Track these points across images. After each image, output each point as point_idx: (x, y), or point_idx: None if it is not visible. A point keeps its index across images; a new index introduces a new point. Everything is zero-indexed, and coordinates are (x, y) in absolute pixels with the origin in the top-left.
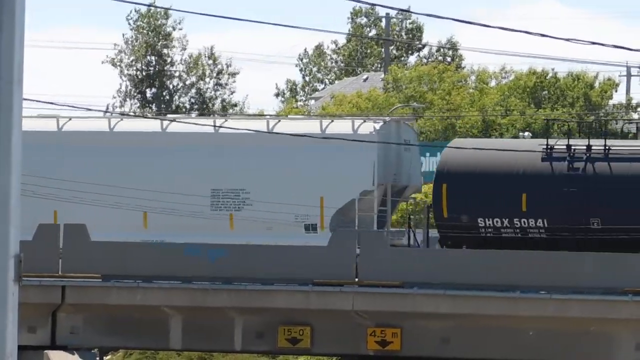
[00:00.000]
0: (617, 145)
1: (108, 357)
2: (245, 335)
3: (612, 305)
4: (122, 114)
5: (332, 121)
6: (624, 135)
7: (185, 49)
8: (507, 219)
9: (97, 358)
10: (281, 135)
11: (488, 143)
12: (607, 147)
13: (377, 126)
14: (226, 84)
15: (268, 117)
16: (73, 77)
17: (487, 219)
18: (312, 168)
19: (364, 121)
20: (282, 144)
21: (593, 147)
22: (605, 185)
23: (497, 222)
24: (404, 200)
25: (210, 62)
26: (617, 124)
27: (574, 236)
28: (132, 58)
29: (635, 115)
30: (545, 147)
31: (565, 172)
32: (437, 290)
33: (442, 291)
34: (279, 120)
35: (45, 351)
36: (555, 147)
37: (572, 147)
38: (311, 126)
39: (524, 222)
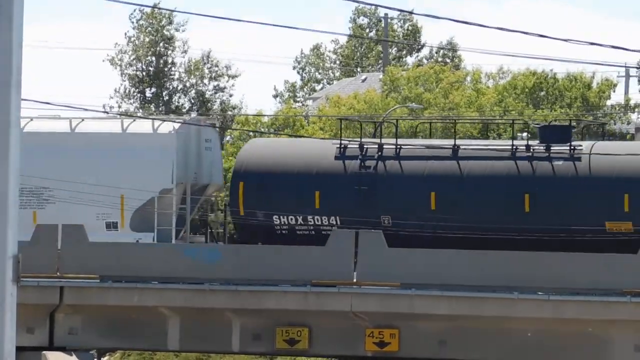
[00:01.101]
0: (408, 144)
1: (106, 358)
2: (242, 337)
3: (610, 307)
4: (120, 114)
5: (134, 120)
6: (622, 136)
7: (186, 52)
8: (301, 217)
9: (95, 359)
10: (83, 134)
11: (284, 143)
12: (397, 147)
13: (177, 126)
14: (225, 87)
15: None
16: (71, 76)
17: (282, 217)
18: (113, 167)
19: (164, 121)
20: (84, 143)
21: (385, 146)
22: (395, 183)
23: (291, 219)
24: (206, 199)
25: (209, 65)
26: (615, 124)
27: None
28: (133, 57)
29: (633, 116)
30: (338, 146)
31: (357, 171)
32: (435, 292)
33: (439, 292)
34: (82, 120)
35: (43, 352)
36: (349, 146)
37: (364, 147)
38: (112, 126)
39: (317, 219)
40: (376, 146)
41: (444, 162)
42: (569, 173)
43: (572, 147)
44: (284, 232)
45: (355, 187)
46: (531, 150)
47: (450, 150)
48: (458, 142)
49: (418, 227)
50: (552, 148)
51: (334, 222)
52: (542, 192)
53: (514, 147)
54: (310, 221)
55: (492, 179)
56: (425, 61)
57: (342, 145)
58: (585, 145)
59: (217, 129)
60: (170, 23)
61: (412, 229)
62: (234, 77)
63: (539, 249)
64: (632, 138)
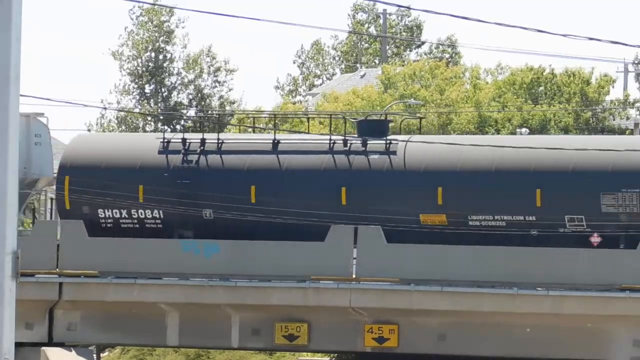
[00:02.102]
0: (229, 139)
1: (105, 354)
2: (242, 332)
3: (609, 302)
4: (119, 109)
5: None
6: (621, 132)
7: (185, 47)
8: (125, 210)
9: (94, 355)
10: None
11: (110, 138)
12: (219, 141)
13: None
14: (224, 82)
15: None
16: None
17: (106, 210)
18: None
19: None
20: None
21: (207, 141)
22: (216, 177)
23: (116, 213)
24: (36, 192)
25: (208, 59)
26: (614, 119)
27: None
28: (132, 52)
29: (632, 112)
30: (162, 141)
31: (179, 165)
32: (434, 287)
33: (439, 288)
34: None
35: (43, 348)
36: (172, 140)
37: (187, 141)
38: None
39: (141, 213)
40: (199, 141)
41: (264, 156)
42: (384, 166)
43: (388, 141)
44: (108, 225)
45: (177, 181)
46: (348, 144)
47: (270, 145)
48: (278, 136)
49: (239, 220)
50: (368, 142)
51: (158, 216)
52: (358, 185)
53: (332, 141)
54: (135, 215)
55: (310, 172)
56: (424, 57)
57: (166, 140)
58: (401, 139)
59: (47, 124)
60: (172, 16)
61: (233, 222)
62: (232, 71)
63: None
64: (632, 133)
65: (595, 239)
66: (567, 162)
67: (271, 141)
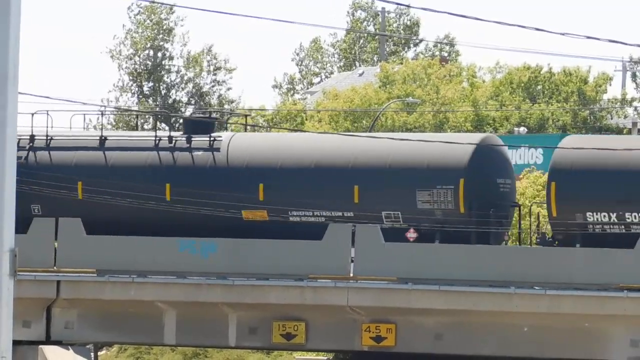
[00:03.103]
0: (58, 135)
1: (102, 352)
2: (239, 331)
3: (606, 302)
4: (117, 108)
5: None
6: (619, 131)
7: (185, 45)
8: None
9: (92, 353)
10: None
11: None
12: (48, 138)
13: None
14: (223, 81)
15: None
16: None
17: None
18: None
19: None
20: None
21: (36, 137)
22: (44, 173)
23: None
24: None
25: (209, 58)
26: (612, 118)
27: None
28: (131, 50)
29: (630, 110)
30: None
31: None
32: (431, 286)
33: (436, 287)
34: None
35: (40, 346)
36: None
37: (17, 138)
38: None
39: None
40: (28, 137)
41: (91, 152)
42: (207, 163)
43: (212, 138)
44: None
45: None
46: (173, 141)
47: (97, 141)
48: (106, 133)
49: (69, 215)
50: (193, 139)
51: None
52: (182, 182)
53: (157, 138)
54: None
55: (136, 169)
56: (422, 55)
57: None
58: (225, 136)
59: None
60: (171, 13)
61: (65, 217)
62: (231, 70)
63: (182, 236)
64: (629, 132)
65: (411, 234)
66: (384, 159)
67: (98, 138)
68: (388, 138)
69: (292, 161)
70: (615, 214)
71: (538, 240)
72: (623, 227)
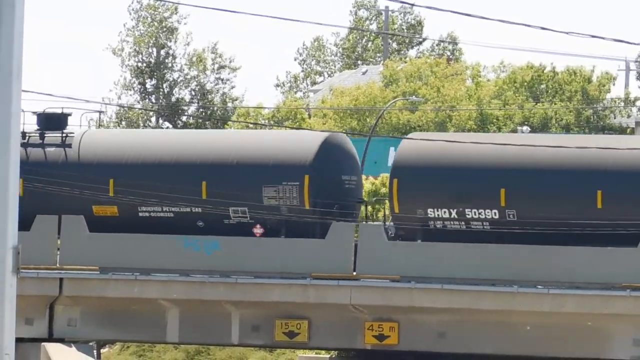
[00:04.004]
0: None
1: (105, 349)
2: (242, 329)
3: (609, 300)
4: (120, 105)
5: None
6: (622, 130)
7: (188, 44)
8: None
9: (94, 351)
10: None
11: None
12: None
13: None
14: (227, 79)
15: None
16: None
17: None
18: None
19: None
20: None
21: None
22: None
23: None
24: None
25: (213, 56)
26: (615, 117)
27: None
28: (133, 48)
29: (634, 110)
30: None
31: None
32: (434, 285)
33: (439, 286)
34: None
35: (43, 344)
36: None
37: None
38: None
39: None
40: None
41: None
42: (59, 159)
43: (64, 134)
44: None
45: None
46: (26, 137)
47: None
48: None
49: None
50: (46, 135)
51: None
52: (35, 178)
53: None
54: None
55: None
56: (425, 54)
57: None
58: (77, 132)
59: None
60: (175, 13)
61: None
62: (235, 69)
63: None
64: (633, 132)
65: (258, 229)
66: (231, 155)
67: None
68: (254, 134)
69: (142, 157)
70: (455, 210)
71: None
72: (463, 223)
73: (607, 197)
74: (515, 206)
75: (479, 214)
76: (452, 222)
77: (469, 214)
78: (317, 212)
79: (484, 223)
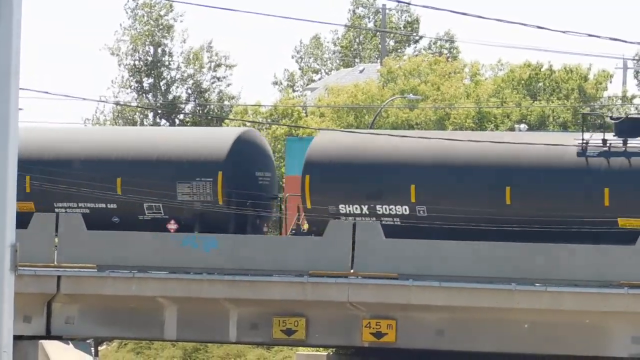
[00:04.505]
0: None
1: (103, 347)
2: (240, 327)
3: (607, 298)
4: (117, 103)
5: None
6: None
7: (184, 42)
8: None
9: (92, 348)
10: None
11: None
12: None
13: None
14: (224, 77)
15: None
16: (69, 66)
17: None
18: None
19: None
20: None
21: None
22: None
23: None
24: None
25: (209, 54)
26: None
27: None
28: (130, 46)
29: (632, 108)
30: None
31: None
32: (432, 282)
33: (437, 283)
34: None
35: (40, 341)
36: None
37: None
38: None
39: None
40: None
41: None
42: None
43: None
44: None
45: None
46: None
47: None
48: None
49: None
50: None
51: None
52: None
53: None
54: None
55: None
56: (423, 52)
57: None
58: None
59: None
60: (170, 12)
61: None
62: (231, 67)
63: None
64: None
65: (172, 225)
66: (146, 151)
67: None
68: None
69: (58, 153)
70: (366, 206)
71: (293, 231)
72: (374, 218)
73: (516, 193)
74: (425, 202)
75: (390, 209)
76: (363, 218)
77: (379, 210)
78: (230, 208)
79: (395, 219)
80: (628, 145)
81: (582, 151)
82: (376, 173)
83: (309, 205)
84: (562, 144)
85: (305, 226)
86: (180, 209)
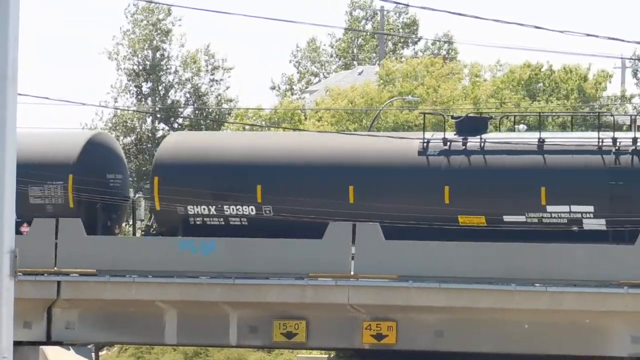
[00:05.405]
0: None
1: (103, 352)
2: (240, 330)
3: (607, 298)
4: (117, 108)
5: None
6: (618, 127)
7: (183, 46)
8: None
9: (93, 353)
10: None
11: None
12: None
13: None
14: (221, 79)
15: None
16: (68, 70)
17: None
18: None
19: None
20: None
21: None
22: None
23: None
24: None
25: (206, 57)
26: (611, 115)
27: None
28: (129, 51)
29: (629, 107)
30: None
31: None
32: (432, 284)
33: (437, 284)
34: None
35: (41, 347)
36: None
37: None
38: None
39: None
40: None
41: None
42: None
43: None
44: None
45: None
46: None
47: None
48: None
49: None
50: None
51: None
52: None
53: None
54: None
55: None
56: (421, 54)
57: None
58: None
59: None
60: (168, 15)
61: None
62: (228, 69)
63: None
64: (629, 129)
65: (25, 228)
66: None
67: None
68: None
69: None
70: (214, 207)
71: (143, 232)
72: (222, 219)
73: (359, 191)
74: (271, 202)
75: (237, 210)
76: (211, 219)
77: (227, 211)
78: (81, 210)
79: (242, 219)
80: (468, 144)
81: (423, 150)
82: (223, 174)
83: (157, 207)
84: (405, 144)
85: (154, 227)
86: (32, 212)
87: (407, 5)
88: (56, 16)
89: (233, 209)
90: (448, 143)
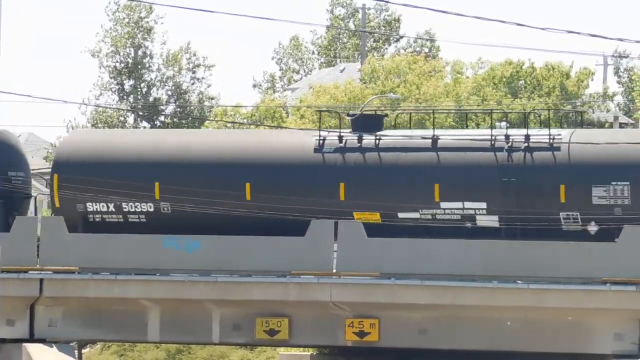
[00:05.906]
0: None
1: (86, 350)
2: (223, 327)
3: (590, 295)
4: (98, 106)
5: None
6: (600, 125)
7: (164, 44)
8: None
9: (75, 351)
10: None
11: None
12: None
13: None
14: (203, 78)
15: None
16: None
17: None
18: None
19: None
20: None
21: None
22: None
23: None
24: None
25: (187, 55)
26: (593, 112)
27: None
28: (111, 49)
29: (611, 104)
30: None
31: None
32: (414, 281)
33: (419, 282)
34: None
35: (24, 344)
36: None
37: None
38: None
39: None
40: None
41: None
42: None
43: None
44: None
45: None
46: None
47: None
48: None
49: None
50: None
51: None
52: None
53: None
54: None
55: None
56: (402, 52)
57: None
58: None
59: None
60: (150, 13)
61: None
62: (210, 67)
63: None
64: (611, 126)
65: None
66: None
67: None
68: None
69: None
70: (112, 204)
71: None
72: (121, 216)
73: (256, 189)
74: (169, 199)
75: (135, 207)
76: (110, 216)
77: (125, 208)
78: None
79: (140, 216)
80: (363, 141)
81: (319, 147)
82: (121, 171)
83: (57, 205)
84: (301, 141)
85: None
86: None
87: (388, 2)
88: (42, 14)
89: (131, 206)
90: (344, 140)
